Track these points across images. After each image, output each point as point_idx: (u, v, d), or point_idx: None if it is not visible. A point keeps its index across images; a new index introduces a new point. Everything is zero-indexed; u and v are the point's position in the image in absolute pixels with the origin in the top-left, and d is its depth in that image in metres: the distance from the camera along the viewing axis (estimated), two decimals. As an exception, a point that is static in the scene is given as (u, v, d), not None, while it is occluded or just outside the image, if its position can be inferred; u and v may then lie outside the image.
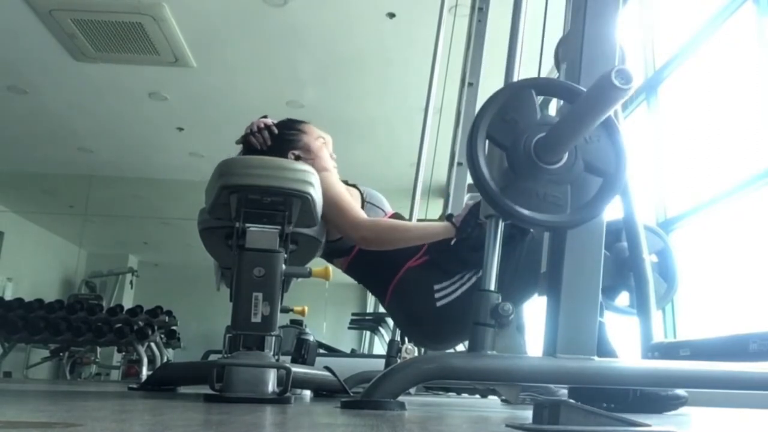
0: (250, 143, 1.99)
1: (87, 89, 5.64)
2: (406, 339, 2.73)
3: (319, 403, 1.75)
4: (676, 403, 1.77)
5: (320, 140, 2.05)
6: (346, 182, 2.08)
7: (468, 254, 1.80)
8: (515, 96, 1.25)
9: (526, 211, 1.20)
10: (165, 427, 0.80)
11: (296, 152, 1.98)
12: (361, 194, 2.07)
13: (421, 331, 2.04)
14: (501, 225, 1.38)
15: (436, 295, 1.88)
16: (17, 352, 6.70)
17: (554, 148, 1.21)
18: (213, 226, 1.75)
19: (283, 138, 2.00)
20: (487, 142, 1.23)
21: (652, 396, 1.73)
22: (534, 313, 2.21)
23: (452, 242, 1.84)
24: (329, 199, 1.86)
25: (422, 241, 1.90)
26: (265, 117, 2.05)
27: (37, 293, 6.79)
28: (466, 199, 3.04)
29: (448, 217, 1.90)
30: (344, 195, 1.94)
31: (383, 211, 2.09)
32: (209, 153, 6.46)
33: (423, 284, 1.90)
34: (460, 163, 3.12)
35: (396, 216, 2.10)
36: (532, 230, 1.87)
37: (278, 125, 2.02)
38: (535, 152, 1.22)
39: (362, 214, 1.91)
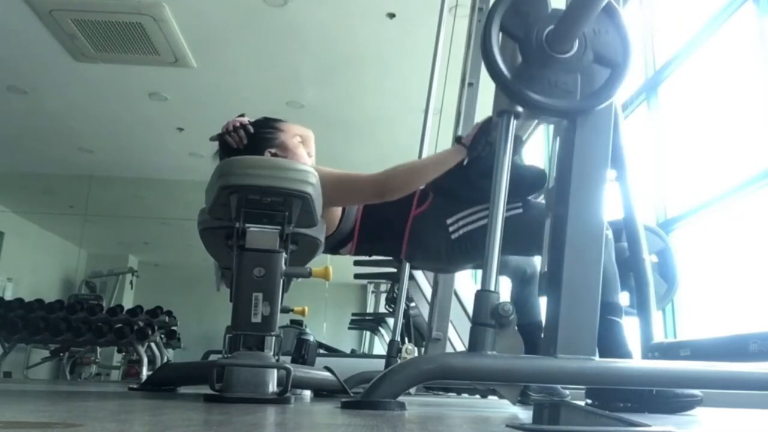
0: (225, 142, 1.97)
1: (87, 89, 5.64)
2: (406, 339, 2.73)
3: (319, 404, 1.75)
4: (691, 402, 1.77)
5: (297, 138, 2.03)
6: None
7: (477, 179, 1.83)
8: None
9: (538, 97, 1.26)
10: (165, 427, 0.80)
11: (272, 150, 1.96)
12: None
13: (437, 264, 2.21)
14: (513, 122, 1.40)
15: (450, 229, 1.96)
16: (17, 352, 6.70)
17: (564, 36, 1.27)
18: (213, 226, 1.75)
19: (259, 136, 1.98)
20: (500, 35, 1.29)
21: (668, 395, 1.73)
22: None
23: (464, 162, 1.88)
24: (335, 180, 1.88)
25: (439, 168, 1.92)
26: (242, 116, 2.03)
27: (37, 293, 6.80)
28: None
29: (457, 139, 1.95)
30: (342, 170, 1.97)
31: None
32: (209, 153, 6.39)
33: (435, 223, 1.98)
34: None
35: None
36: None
37: (254, 124, 2.00)
38: (546, 42, 1.27)
39: (371, 173, 1.94)
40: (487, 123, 1.85)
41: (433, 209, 2.00)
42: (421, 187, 2.00)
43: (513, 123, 1.40)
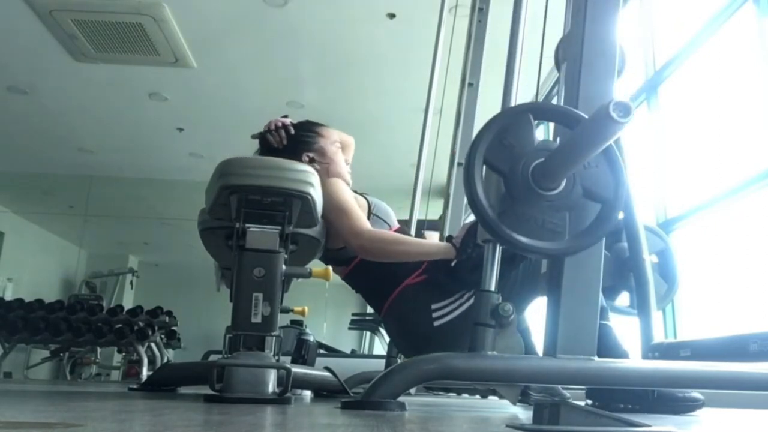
0: (266, 141, 2.00)
1: (87, 90, 5.64)
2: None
3: (320, 404, 1.75)
4: (693, 405, 1.77)
5: (336, 144, 2.04)
6: (355, 191, 2.08)
7: (467, 275, 1.79)
8: (513, 121, 1.23)
9: (523, 239, 1.19)
10: (165, 427, 0.80)
11: (310, 155, 1.97)
12: (369, 205, 2.06)
13: (415, 349, 1.97)
14: (498, 249, 1.37)
15: (434, 315, 1.87)
16: (17, 352, 6.70)
17: (553, 174, 1.20)
18: (213, 226, 1.75)
19: (299, 139, 2.00)
20: (484, 167, 1.21)
21: (670, 397, 1.73)
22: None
23: (452, 263, 1.84)
24: (335, 204, 1.87)
25: (421, 258, 1.90)
26: (285, 117, 2.05)
27: (38, 293, 6.79)
28: (463, 219, 3.05)
29: (448, 239, 1.90)
30: (350, 202, 1.93)
31: (388, 225, 2.08)
32: (209, 153, 6.46)
33: (421, 303, 1.90)
34: (460, 164, 3.12)
35: (401, 231, 2.09)
36: None
37: (296, 126, 2.02)
38: (533, 178, 1.20)
39: (366, 224, 1.91)
40: (475, 225, 1.77)
41: (426, 286, 1.94)
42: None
43: (498, 250, 1.37)
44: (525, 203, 1.21)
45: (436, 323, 1.87)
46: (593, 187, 1.23)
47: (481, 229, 1.41)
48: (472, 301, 1.81)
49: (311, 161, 1.99)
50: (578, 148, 1.17)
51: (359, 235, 1.87)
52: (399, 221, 2.16)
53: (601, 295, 1.81)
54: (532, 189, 1.20)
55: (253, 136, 2.07)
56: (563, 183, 1.21)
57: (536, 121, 1.26)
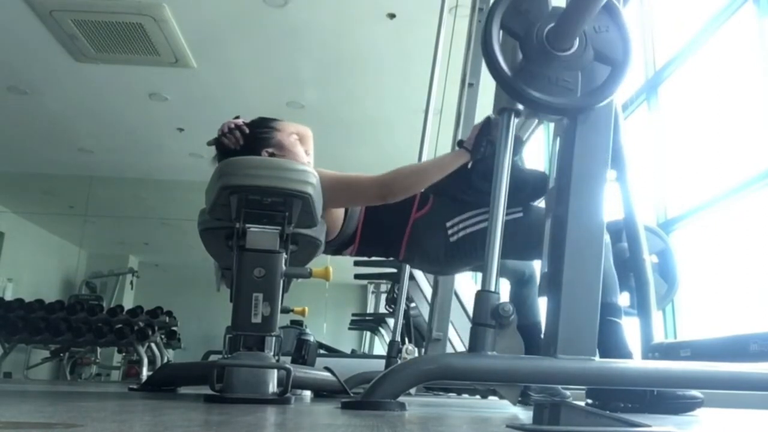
0: (222, 145, 1.97)
1: (87, 90, 5.64)
2: (406, 339, 2.73)
3: (320, 404, 1.75)
4: (692, 403, 1.77)
5: (293, 137, 2.02)
6: None
7: (480, 182, 1.84)
8: None
9: (538, 94, 1.27)
10: (165, 427, 0.80)
11: (269, 150, 1.95)
12: None
13: (435, 266, 2.18)
14: (514, 120, 1.41)
15: (449, 231, 1.96)
16: (17, 352, 6.70)
17: (565, 34, 1.28)
18: (213, 226, 1.75)
19: (255, 136, 1.97)
20: (501, 33, 1.30)
21: (670, 396, 1.73)
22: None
23: (469, 165, 1.88)
24: (336, 182, 1.88)
25: (441, 173, 1.92)
26: (236, 117, 2.03)
27: (38, 294, 6.80)
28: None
29: (459, 143, 1.95)
30: (344, 172, 1.97)
31: None
32: (209, 153, 6.41)
33: (434, 226, 1.98)
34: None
35: None
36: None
37: (250, 124, 2.00)
38: (547, 40, 1.29)
39: (370, 175, 1.94)
40: (486, 123, 1.86)
41: (434, 212, 2.00)
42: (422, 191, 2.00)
43: (514, 121, 1.40)
44: (540, 63, 1.29)
45: (453, 239, 1.95)
46: (603, 49, 1.31)
47: (496, 98, 1.45)
48: (484, 224, 1.87)
49: (271, 156, 1.98)
50: (585, 3, 1.24)
51: (379, 183, 1.90)
52: None
53: (617, 293, 1.83)
54: (547, 50, 1.29)
55: (209, 143, 2.02)
56: (575, 44, 1.30)
57: None
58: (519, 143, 1.94)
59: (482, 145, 1.84)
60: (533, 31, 1.29)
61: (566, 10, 1.27)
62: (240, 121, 1.98)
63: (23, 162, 7.46)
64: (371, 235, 2.04)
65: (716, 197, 3.01)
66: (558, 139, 1.45)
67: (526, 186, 1.91)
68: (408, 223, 2.00)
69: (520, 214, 1.90)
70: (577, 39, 1.32)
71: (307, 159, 2.04)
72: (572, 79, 1.29)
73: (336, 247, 2.05)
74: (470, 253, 1.95)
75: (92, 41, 4.73)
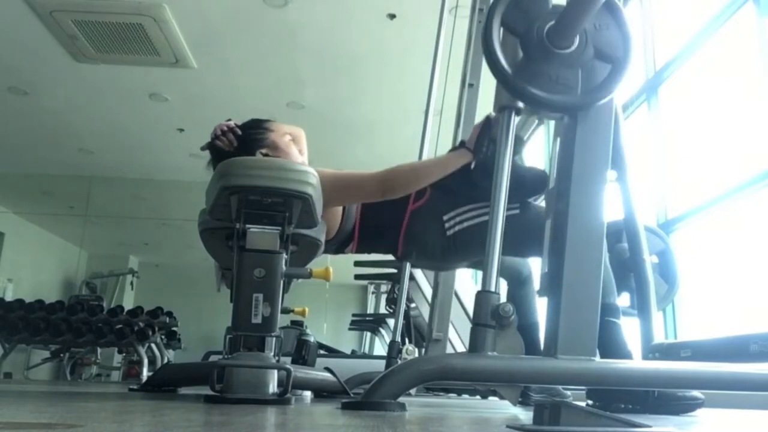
0: (216, 148, 1.96)
1: (88, 90, 5.64)
2: (407, 339, 2.73)
3: (320, 404, 1.75)
4: (693, 404, 1.76)
5: (287, 137, 2.02)
6: None
7: (481, 179, 1.82)
8: None
9: (538, 92, 1.27)
10: (165, 428, 0.80)
11: (263, 151, 1.95)
12: None
13: (432, 261, 2.17)
14: (514, 118, 1.41)
15: (446, 225, 1.97)
16: (18, 353, 6.70)
17: (565, 32, 1.28)
18: (213, 227, 1.75)
19: (249, 138, 1.97)
20: (501, 31, 1.30)
21: (670, 397, 1.73)
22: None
23: (472, 166, 1.88)
24: (334, 180, 1.88)
25: (442, 171, 1.92)
26: (229, 120, 2.03)
27: (38, 294, 6.80)
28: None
29: (461, 144, 1.95)
30: (343, 171, 1.97)
31: None
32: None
33: (431, 218, 1.98)
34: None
35: None
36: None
37: (243, 126, 2.00)
38: (547, 37, 1.29)
39: (370, 171, 1.94)
40: (487, 122, 1.86)
41: (430, 204, 2.00)
42: None
43: (514, 119, 1.40)
44: (540, 61, 1.29)
45: (449, 232, 1.96)
46: (604, 47, 1.32)
47: (497, 97, 1.45)
48: (483, 218, 1.86)
49: (266, 157, 1.97)
50: (585, 0, 1.24)
51: (379, 179, 1.90)
52: None
53: (615, 294, 1.83)
54: (547, 47, 1.29)
55: (202, 148, 2.01)
56: (576, 42, 1.30)
57: None
58: (519, 143, 1.94)
59: (483, 144, 1.84)
60: (534, 29, 1.30)
61: (567, 8, 1.28)
62: (232, 123, 1.98)
63: (23, 162, 7.46)
64: (369, 229, 2.05)
65: (716, 197, 3.01)
66: (558, 138, 1.45)
67: (525, 183, 1.91)
68: (405, 214, 2.01)
69: (517, 211, 1.90)
70: (578, 37, 1.32)
71: (301, 159, 2.04)
72: (572, 76, 1.29)
73: (336, 245, 2.05)
74: (467, 247, 1.95)
75: (92, 41, 4.73)
